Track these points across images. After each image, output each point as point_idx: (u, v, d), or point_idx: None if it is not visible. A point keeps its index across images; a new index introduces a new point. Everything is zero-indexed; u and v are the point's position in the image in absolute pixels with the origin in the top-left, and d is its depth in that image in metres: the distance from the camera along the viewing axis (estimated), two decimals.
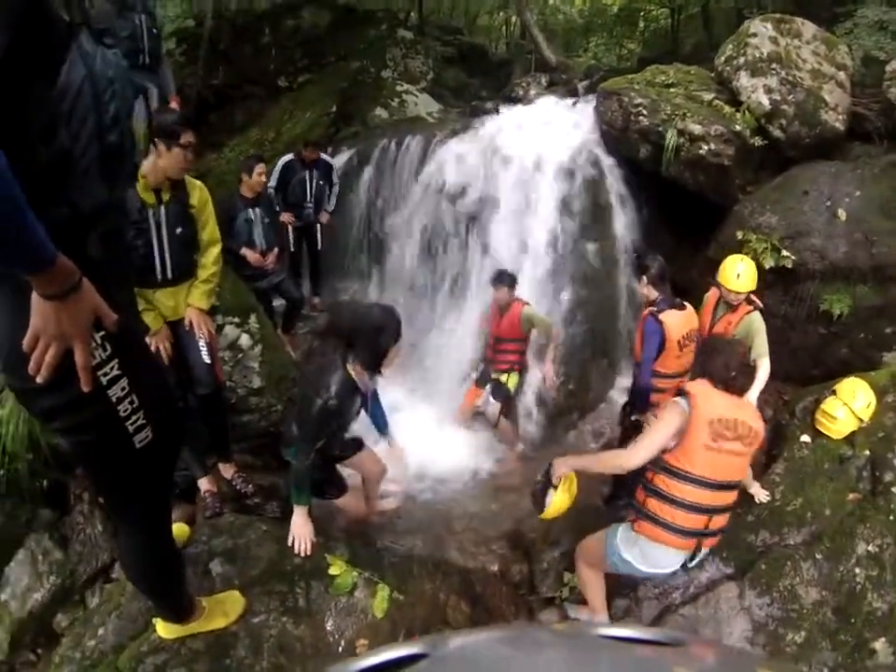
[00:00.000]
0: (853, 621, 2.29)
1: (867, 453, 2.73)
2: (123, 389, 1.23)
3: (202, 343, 2.47)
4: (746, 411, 2.06)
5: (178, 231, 2.36)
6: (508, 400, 3.88)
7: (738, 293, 2.90)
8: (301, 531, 2.25)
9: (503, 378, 3.87)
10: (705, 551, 2.15)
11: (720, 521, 2.08)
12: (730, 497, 2.07)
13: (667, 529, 1.99)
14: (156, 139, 2.21)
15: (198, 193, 2.42)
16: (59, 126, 1.02)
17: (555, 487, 2.12)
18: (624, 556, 2.09)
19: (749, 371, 2.22)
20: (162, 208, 2.32)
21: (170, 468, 1.58)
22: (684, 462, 1.95)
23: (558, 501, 2.14)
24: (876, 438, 2.76)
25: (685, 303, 3.04)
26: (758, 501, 2.64)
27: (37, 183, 0.95)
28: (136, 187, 2.27)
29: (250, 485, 2.88)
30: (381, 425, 2.72)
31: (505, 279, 3.62)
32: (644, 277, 3.02)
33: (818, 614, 2.34)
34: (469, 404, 4.02)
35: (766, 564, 2.49)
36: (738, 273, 2.88)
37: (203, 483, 2.61)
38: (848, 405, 2.78)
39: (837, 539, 2.48)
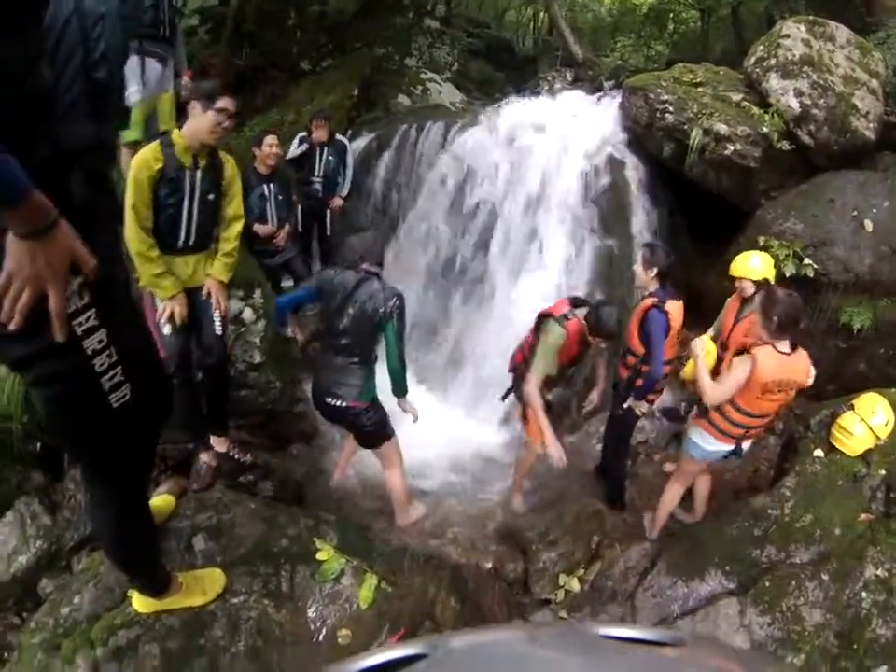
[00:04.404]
0: (855, 647, 2.20)
1: (882, 472, 2.62)
2: (101, 342, 1.16)
3: (216, 314, 2.47)
4: (796, 367, 2.47)
5: (210, 196, 2.38)
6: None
7: (752, 281, 2.97)
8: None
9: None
10: (747, 443, 2.73)
11: (755, 433, 2.71)
12: (764, 421, 2.64)
13: (715, 429, 2.64)
14: (193, 100, 2.22)
15: (230, 168, 2.45)
16: (41, 62, 0.97)
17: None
18: (693, 439, 2.73)
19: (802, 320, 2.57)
20: (199, 172, 2.33)
21: (151, 434, 1.49)
22: (739, 400, 2.54)
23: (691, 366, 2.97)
24: (893, 457, 2.64)
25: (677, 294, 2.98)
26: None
27: (16, 119, 0.90)
28: (175, 148, 2.27)
29: (248, 454, 2.83)
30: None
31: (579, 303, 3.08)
32: (653, 268, 2.83)
33: (819, 637, 2.25)
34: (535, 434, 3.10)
35: (770, 581, 2.40)
36: (754, 261, 2.99)
37: (204, 456, 2.56)
38: (866, 421, 2.67)
39: (846, 560, 2.38)
